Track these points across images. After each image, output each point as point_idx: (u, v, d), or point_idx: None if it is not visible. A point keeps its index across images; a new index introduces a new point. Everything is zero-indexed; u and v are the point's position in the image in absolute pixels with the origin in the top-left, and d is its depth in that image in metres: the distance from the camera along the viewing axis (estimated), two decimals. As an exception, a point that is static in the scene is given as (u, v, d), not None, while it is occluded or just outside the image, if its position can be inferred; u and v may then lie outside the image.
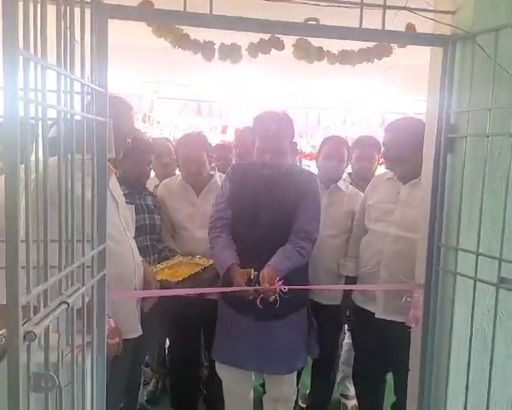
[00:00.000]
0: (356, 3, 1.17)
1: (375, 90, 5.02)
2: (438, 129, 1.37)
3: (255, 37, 1.29)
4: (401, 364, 1.60)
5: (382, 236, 1.81)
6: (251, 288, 1.58)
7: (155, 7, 1.25)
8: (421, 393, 1.49)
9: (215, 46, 1.23)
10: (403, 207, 1.77)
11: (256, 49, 1.26)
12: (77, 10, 0.91)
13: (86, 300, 1.03)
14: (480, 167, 1.25)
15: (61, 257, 0.89)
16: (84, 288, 0.98)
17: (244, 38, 1.24)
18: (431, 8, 1.28)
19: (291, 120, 1.81)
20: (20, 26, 0.68)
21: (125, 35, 1.72)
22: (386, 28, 1.25)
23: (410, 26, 1.35)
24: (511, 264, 1.17)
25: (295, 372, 1.95)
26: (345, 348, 2.46)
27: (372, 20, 1.18)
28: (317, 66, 1.62)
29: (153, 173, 2.41)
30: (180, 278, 1.75)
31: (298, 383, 2.12)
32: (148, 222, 1.98)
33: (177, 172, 2.54)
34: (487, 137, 1.21)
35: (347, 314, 2.13)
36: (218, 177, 2.19)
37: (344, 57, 1.29)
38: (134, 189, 1.96)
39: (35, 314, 0.77)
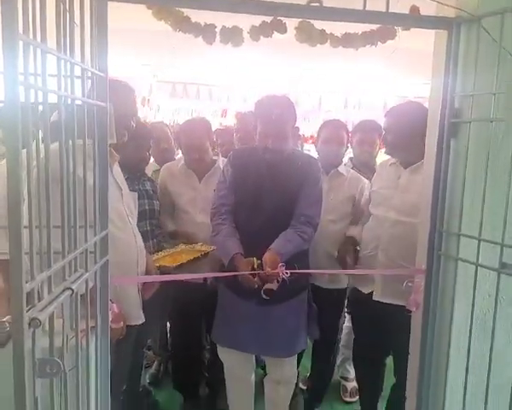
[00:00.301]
0: (360, -15, 1.15)
1: (378, 73, 4.97)
2: (441, 113, 1.36)
3: (257, 20, 1.27)
4: (401, 346, 1.61)
5: (381, 220, 1.82)
6: (253, 272, 1.59)
7: (155, -11, 1.23)
8: (420, 376, 1.50)
9: (216, 29, 1.21)
10: (402, 193, 1.77)
11: (258, 32, 1.24)
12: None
13: (90, 285, 1.04)
14: (484, 152, 1.24)
15: (64, 243, 0.89)
16: (87, 274, 0.99)
17: (246, 21, 1.22)
18: (436, -10, 1.25)
19: (293, 105, 1.80)
20: (19, 11, 0.67)
21: (125, 18, 1.69)
22: (390, 10, 1.23)
23: (414, 9, 1.32)
24: (513, 249, 1.17)
25: (296, 355, 1.97)
26: (345, 331, 2.48)
27: (376, 3, 1.16)
28: (319, 49, 1.60)
29: (152, 159, 2.39)
30: (178, 264, 1.76)
31: (298, 366, 2.14)
32: (147, 207, 1.98)
33: (178, 156, 2.54)
34: (491, 122, 1.20)
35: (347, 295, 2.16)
36: (221, 162, 2.18)
37: (347, 40, 1.27)
38: (133, 174, 1.95)
39: (39, 300, 0.78)
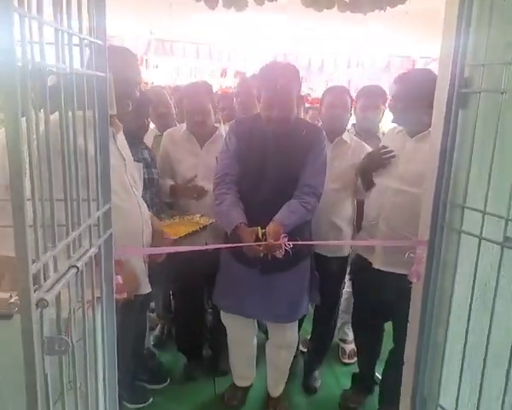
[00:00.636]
0: None
1: (381, 33, 4.81)
2: (450, 82, 1.31)
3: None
4: (400, 313, 1.63)
5: (384, 189, 1.81)
6: (256, 243, 1.59)
7: None
8: (419, 343, 1.53)
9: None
10: (407, 162, 1.75)
11: (262, -5, 1.18)
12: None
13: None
14: (493, 124, 1.21)
15: (67, 219, 0.88)
16: (92, 249, 0.99)
17: (250, -16, 1.16)
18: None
19: (298, 72, 1.75)
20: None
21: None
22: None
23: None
24: (517, 224, 1.16)
25: (297, 320, 2.02)
26: (344, 296, 2.52)
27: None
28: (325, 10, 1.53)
29: (152, 125, 2.35)
30: (176, 237, 1.76)
31: (299, 330, 2.19)
32: (146, 176, 1.96)
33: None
34: (502, 93, 1.16)
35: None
36: (223, 129, 2.14)
37: (355, 5, 1.21)
38: (132, 143, 1.92)
39: (45, 279, 0.78)
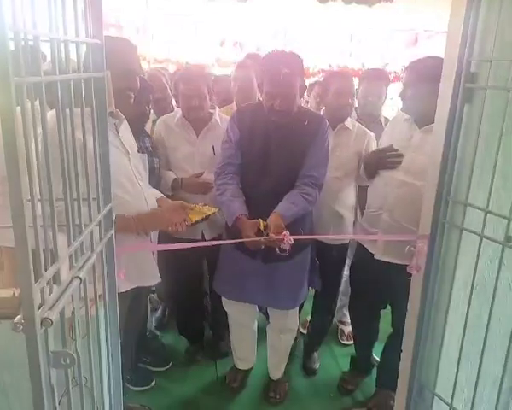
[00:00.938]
0: None
1: (383, 6, 4.67)
2: (456, 76, 1.29)
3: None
4: (399, 301, 1.65)
5: (388, 180, 1.80)
6: (257, 238, 1.59)
7: None
8: (418, 331, 1.56)
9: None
10: (413, 153, 1.73)
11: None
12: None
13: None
14: (498, 121, 1.19)
15: (69, 228, 0.88)
16: (94, 256, 0.98)
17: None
18: None
19: (301, 61, 1.70)
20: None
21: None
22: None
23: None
24: (519, 223, 1.16)
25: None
26: (344, 279, 2.55)
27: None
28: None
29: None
30: None
31: (300, 311, 2.21)
32: (148, 165, 1.94)
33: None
34: (508, 91, 1.14)
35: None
36: (218, 115, 2.10)
37: (360, -3, 1.17)
38: (134, 131, 1.89)
39: (49, 284, 0.78)
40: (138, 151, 1.71)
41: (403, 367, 1.66)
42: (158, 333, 2.60)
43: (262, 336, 2.24)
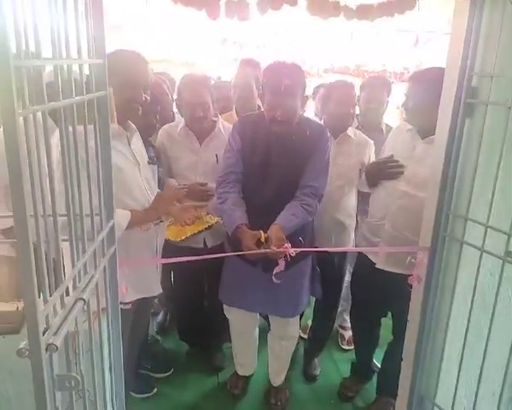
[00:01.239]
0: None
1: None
2: (457, 91, 1.29)
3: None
4: (400, 309, 1.66)
5: (390, 190, 1.80)
6: (259, 251, 1.60)
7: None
8: (418, 342, 1.57)
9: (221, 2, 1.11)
10: (416, 164, 1.73)
11: (266, 4, 1.14)
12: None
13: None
14: (499, 137, 1.19)
15: (73, 252, 0.89)
16: (97, 275, 0.99)
17: (253, -7, 1.12)
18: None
19: (303, 73, 1.71)
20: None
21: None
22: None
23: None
24: (520, 239, 1.17)
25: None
26: (344, 285, 2.56)
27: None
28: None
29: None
30: (183, 237, 1.76)
31: (300, 317, 2.21)
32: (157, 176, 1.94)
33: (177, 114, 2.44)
34: (509, 108, 1.14)
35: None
36: (221, 124, 2.10)
37: (362, 12, 1.17)
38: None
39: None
40: (148, 162, 1.72)
41: (403, 377, 1.68)
42: (159, 338, 2.61)
43: (263, 342, 2.25)
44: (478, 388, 1.36)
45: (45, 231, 0.76)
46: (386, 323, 2.10)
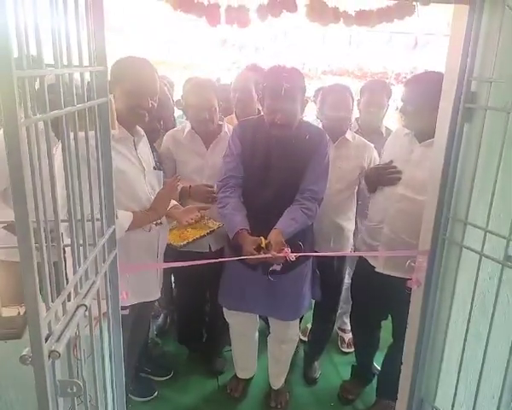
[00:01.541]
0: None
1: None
2: (456, 96, 1.30)
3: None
4: (400, 312, 1.66)
5: (389, 194, 1.81)
6: (259, 256, 1.60)
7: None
8: (418, 345, 1.57)
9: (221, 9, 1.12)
10: (414, 168, 1.74)
11: (266, 11, 1.15)
12: None
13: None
14: (498, 141, 1.20)
15: (74, 257, 0.89)
16: (98, 281, 1.00)
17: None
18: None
19: (303, 76, 1.72)
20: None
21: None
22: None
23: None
24: (519, 244, 1.18)
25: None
26: (344, 287, 2.56)
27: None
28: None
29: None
30: (185, 242, 1.77)
31: (300, 320, 2.22)
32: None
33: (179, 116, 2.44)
34: (508, 113, 1.15)
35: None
36: (227, 127, 2.10)
37: (361, 18, 1.18)
38: None
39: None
40: (154, 168, 1.73)
41: (403, 380, 1.68)
42: (159, 341, 2.61)
43: (263, 345, 2.25)
44: (477, 391, 1.37)
45: (47, 236, 0.77)
46: (387, 325, 2.11)
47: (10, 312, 1.27)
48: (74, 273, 0.88)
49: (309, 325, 2.59)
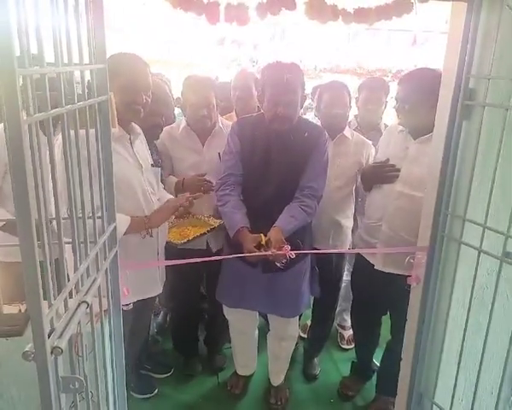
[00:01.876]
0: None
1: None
2: (454, 93, 1.31)
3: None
4: (399, 308, 1.67)
5: (387, 192, 1.82)
6: (259, 253, 1.61)
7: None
8: (417, 341, 1.58)
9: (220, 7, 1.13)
10: (410, 165, 1.74)
11: (265, 9, 1.15)
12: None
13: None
14: (496, 138, 1.21)
15: (76, 257, 0.90)
16: (99, 278, 1.00)
17: (252, -4, 1.14)
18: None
19: (302, 72, 1.72)
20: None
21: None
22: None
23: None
24: (517, 240, 1.18)
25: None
26: (343, 284, 2.57)
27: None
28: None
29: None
30: (185, 240, 1.77)
31: (300, 317, 2.22)
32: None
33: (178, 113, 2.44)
34: (506, 110, 1.16)
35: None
36: (221, 122, 2.11)
37: (360, 16, 1.18)
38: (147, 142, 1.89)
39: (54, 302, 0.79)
40: (152, 165, 1.72)
41: (402, 376, 1.69)
42: (159, 339, 2.62)
43: (263, 342, 2.26)
44: (476, 386, 1.37)
45: (49, 234, 0.77)
46: (384, 322, 2.12)
47: (11, 309, 1.28)
48: (75, 271, 0.89)
49: (308, 322, 2.60)
